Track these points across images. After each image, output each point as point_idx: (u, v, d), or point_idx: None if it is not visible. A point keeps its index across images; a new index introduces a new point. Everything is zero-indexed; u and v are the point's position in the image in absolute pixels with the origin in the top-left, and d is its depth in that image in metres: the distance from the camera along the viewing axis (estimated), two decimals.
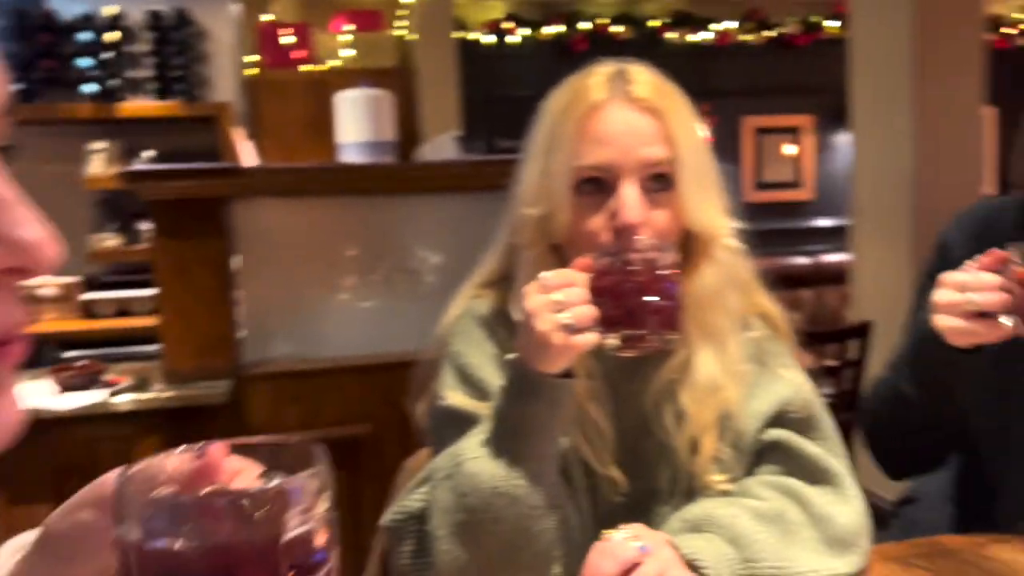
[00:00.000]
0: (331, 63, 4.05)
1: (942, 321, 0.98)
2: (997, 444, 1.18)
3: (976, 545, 1.06)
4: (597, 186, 0.94)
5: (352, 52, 4.10)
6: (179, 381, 1.95)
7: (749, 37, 5.47)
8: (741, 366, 1.00)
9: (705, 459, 0.97)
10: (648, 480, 1.00)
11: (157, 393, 1.91)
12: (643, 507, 0.99)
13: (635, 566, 0.83)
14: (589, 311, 0.83)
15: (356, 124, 2.48)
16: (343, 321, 2.20)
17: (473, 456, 0.88)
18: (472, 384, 0.98)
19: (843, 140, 5.82)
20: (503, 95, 5.32)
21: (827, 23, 5.44)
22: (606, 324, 0.84)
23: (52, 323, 2.98)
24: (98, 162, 3.24)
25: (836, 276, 5.32)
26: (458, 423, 0.96)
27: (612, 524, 0.91)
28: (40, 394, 1.86)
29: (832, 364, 2.97)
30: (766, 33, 5.49)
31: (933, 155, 2.98)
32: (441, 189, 2.25)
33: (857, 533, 0.95)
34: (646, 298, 0.84)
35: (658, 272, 0.85)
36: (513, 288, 0.99)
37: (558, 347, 0.82)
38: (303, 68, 3.81)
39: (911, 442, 1.18)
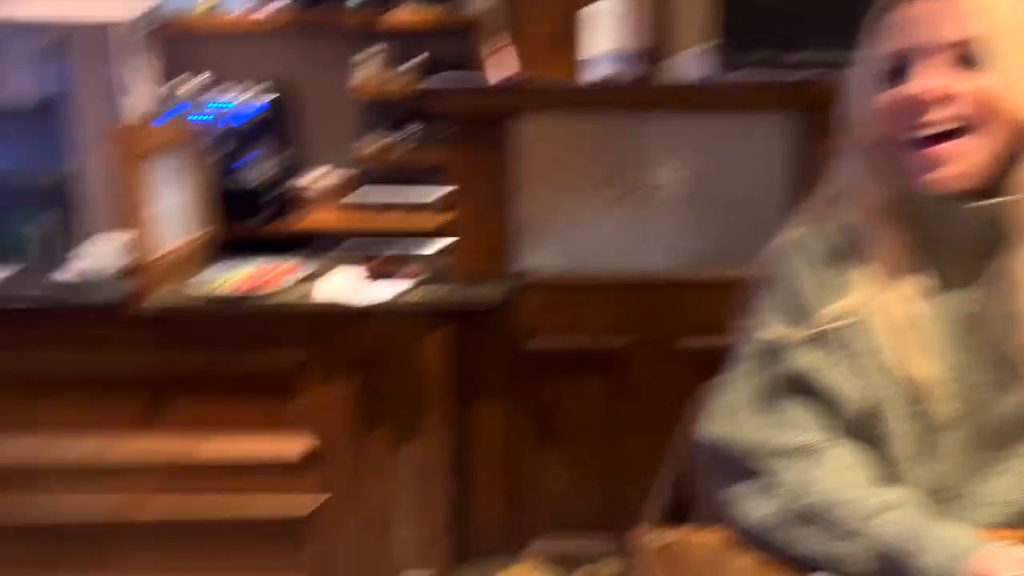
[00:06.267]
0: None
1: None
2: None
3: None
4: (897, 77, 0.91)
5: None
6: (462, 282, 2.14)
7: None
8: None
9: None
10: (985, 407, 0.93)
11: (447, 291, 2.09)
12: (980, 446, 0.94)
13: None
14: None
15: (605, 34, 2.50)
16: (607, 238, 2.28)
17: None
18: (795, 308, 0.96)
19: None
20: None
21: None
22: None
23: (322, 217, 3.30)
24: (366, 70, 3.46)
25: None
26: (769, 353, 0.96)
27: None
28: (348, 281, 2.08)
29: None
30: None
31: None
32: (711, 108, 2.25)
33: None
34: None
35: None
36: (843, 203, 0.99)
37: None
38: None
39: None
